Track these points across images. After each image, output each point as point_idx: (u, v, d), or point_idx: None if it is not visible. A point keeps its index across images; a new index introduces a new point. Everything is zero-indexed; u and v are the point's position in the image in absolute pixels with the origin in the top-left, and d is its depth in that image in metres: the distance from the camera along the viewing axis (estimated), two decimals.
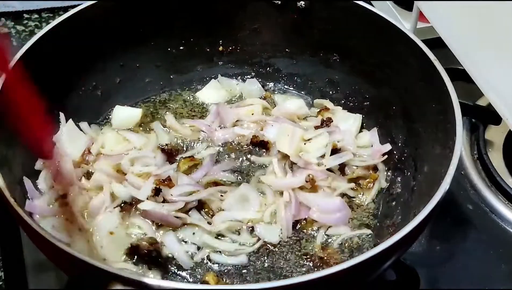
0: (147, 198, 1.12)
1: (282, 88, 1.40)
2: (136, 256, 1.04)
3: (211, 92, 1.38)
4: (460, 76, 1.26)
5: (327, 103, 1.35)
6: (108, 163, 1.19)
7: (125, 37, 1.28)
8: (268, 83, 1.41)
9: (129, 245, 1.05)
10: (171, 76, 1.38)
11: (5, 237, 1.18)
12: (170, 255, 1.07)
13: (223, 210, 1.14)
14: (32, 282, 1.10)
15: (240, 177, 1.22)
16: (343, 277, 0.86)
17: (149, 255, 1.04)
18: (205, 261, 1.08)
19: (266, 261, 1.09)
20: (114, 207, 1.12)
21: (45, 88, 1.16)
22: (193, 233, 1.10)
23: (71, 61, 1.22)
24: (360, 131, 1.30)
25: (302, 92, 1.39)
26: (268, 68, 1.40)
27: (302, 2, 1.31)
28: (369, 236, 1.13)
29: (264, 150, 1.26)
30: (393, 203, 1.17)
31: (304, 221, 1.14)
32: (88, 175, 1.18)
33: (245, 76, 1.41)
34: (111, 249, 1.05)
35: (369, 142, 1.27)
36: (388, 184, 1.21)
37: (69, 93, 1.25)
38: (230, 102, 1.37)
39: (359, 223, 1.16)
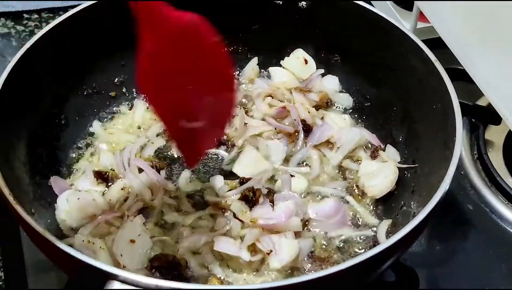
0: None
1: None
2: (156, 265, 1.03)
3: None
4: (460, 76, 1.25)
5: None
6: None
7: (125, 37, 1.27)
8: None
9: (150, 255, 1.05)
10: None
11: (5, 237, 1.18)
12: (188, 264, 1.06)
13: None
14: (32, 282, 1.10)
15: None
16: (343, 277, 0.86)
17: (169, 265, 1.03)
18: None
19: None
20: (135, 216, 1.11)
21: (45, 88, 1.18)
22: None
23: (71, 61, 1.22)
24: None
25: None
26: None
27: (304, 3, 1.31)
28: (369, 236, 1.13)
29: None
30: (393, 204, 1.17)
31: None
32: None
33: None
34: (132, 257, 1.03)
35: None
36: None
37: (69, 94, 1.25)
38: None
39: (359, 223, 1.16)
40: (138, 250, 1.04)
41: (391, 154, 1.23)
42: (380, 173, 1.19)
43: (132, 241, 1.04)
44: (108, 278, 0.80)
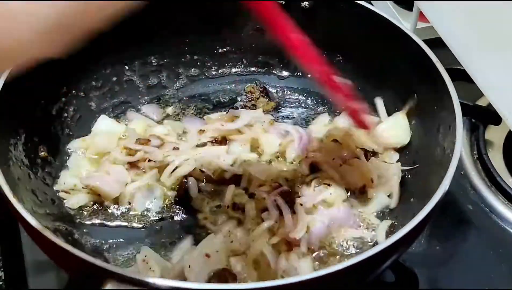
0: None
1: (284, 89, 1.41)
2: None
3: None
4: (460, 76, 1.25)
5: None
6: None
7: (126, 37, 1.28)
8: (269, 82, 1.41)
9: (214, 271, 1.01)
10: (174, 75, 1.39)
11: (5, 237, 1.18)
12: None
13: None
14: (32, 282, 1.10)
15: None
16: (342, 277, 0.86)
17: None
18: None
19: None
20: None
21: (45, 88, 1.18)
22: None
23: (72, 61, 1.21)
24: None
25: (304, 94, 1.39)
26: (270, 68, 1.41)
27: (306, 3, 1.31)
28: (369, 236, 1.13)
29: None
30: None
31: None
32: None
33: (247, 75, 1.41)
34: (199, 270, 0.99)
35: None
36: None
37: (70, 93, 1.25)
38: None
39: (360, 223, 1.16)
40: (208, 264, 1.00)
41: (391, 155, 1.23)
42: (395, 127, 1.23)
43: (207, 255, 1.01)
44: (106, 277, 0.81)
